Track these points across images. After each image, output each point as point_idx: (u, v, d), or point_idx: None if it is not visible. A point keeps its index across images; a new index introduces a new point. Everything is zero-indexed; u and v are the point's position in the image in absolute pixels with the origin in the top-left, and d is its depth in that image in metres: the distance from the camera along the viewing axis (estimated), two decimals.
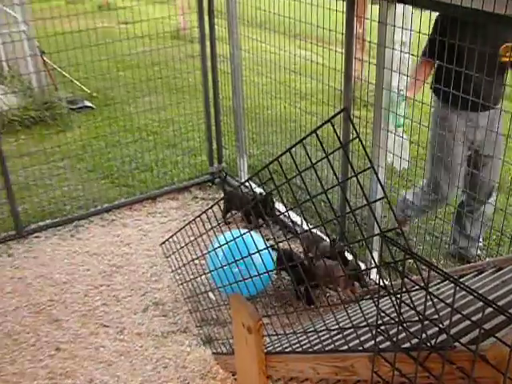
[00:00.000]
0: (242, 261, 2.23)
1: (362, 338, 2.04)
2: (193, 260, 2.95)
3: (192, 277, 3.09)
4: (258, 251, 2.05)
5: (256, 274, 2.09)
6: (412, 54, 3.08)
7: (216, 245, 2.90)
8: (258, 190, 4.58)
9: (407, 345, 1.64)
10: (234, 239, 2.18)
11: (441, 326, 1.37)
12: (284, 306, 3.44)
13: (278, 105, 5.04)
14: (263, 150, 5.45)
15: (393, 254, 1.33)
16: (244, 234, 2.05)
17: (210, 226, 2.56)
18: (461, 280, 2.57)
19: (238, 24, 4.73)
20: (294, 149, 1.59)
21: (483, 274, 2.54)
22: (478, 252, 3.73)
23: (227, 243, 2.21)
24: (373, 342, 1.85)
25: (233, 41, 4.75)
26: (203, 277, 3.17)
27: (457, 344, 1.47)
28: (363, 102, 3.99)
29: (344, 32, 3.17)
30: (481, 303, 1.52)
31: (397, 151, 3.20)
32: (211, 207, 2.45)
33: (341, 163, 3.48)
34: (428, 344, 1.52)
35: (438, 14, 3.19)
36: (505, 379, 1.22)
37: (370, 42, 3.39)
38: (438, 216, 3.92)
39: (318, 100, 4.66)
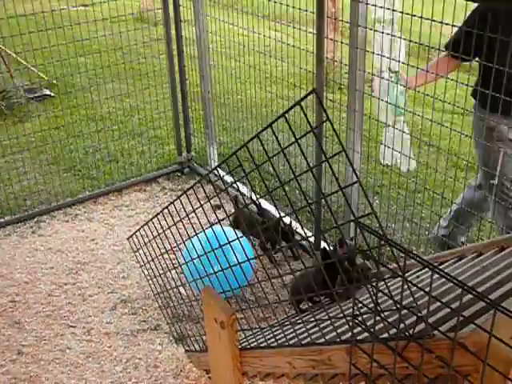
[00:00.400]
0: (219, 253, 2.22)
1: (340, 330, 2.05)
2: (162, 254, 2.93)
3: (162, 271, 3.07)
4: (243, 246, 2.04)
5: (237, 268, 2.08)
6: (399, 37, 3.03)
7: (194, 240, 2.88)
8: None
9: (385, 335, 1.65)
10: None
11: (419, 314, 1.38)
12: (259, 299, 3.44)
13: (249, 89, 5.02)
14: (234, 138, 5.44)
15: (368, 241, 1.33)
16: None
17: (178, 218, 2.55)
18: (440, 267, 2.60)
19: (204, 5, 4.69)
20: (265, 135, 1.58)
21: (463, 260, 2.57)
22: (463, 239, 3.77)
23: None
24: (350, 333, 1.86)
25: (199, 23, 4.72)
26: (173, 271, 3.16)
27: (436, 332, 1.49)
28: (338, 84, 4.00)
29: (315, 11, 3.17)
30: (460, 290, 1.54)
31: (397, 146, 3.11)
32: (178, 198, 2.43)
33: (315, 148, 3.48)
34: (406, 333, 1.53)
35: (477, 4, 2.92)
36: (484, 366, 1.24)
37: (342, 21, 3.38)
38: (417, 201, 3.96)
39: (290, 83, 4.66)
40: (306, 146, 4.42)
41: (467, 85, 2.97)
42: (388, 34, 2.98)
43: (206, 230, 2.41)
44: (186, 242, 2.79)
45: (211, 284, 2.36)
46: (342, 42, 3.37)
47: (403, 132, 3.19)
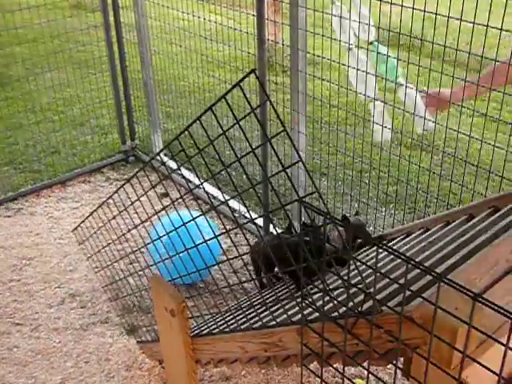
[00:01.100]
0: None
1: (290, 312, 2.06)
2: (108, 244, 2.89)
3: (109, 262, 3.03)
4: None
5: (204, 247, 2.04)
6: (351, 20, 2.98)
7: (159, 227, 2.82)
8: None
9: (335, 314, 1.66)
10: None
11: (366, 291, 1.39)
12: (209, 285, 3.44)
13: (192, 75, 4.98)
14: (179, 125, 5.38)
15: (313, 219, 1.33)
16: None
17: (123, 208, 2.51)
18: (389, 244, 2.64)
19: None
20: (210, 120, 1.56)
21: (410, 237, 2.61)
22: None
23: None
24: (300, 314, 1.87)
25: (138, 8, 4.63)
26: (121, 262, 3.11)
27: (384, 308, 1.51)
28: (282, 66, 4.00)
29: None
30: (409, 266, 1.56)
31: (378, 119, 3.02)
32: (122, 186, 2.39)
33: (259, 131, 3.48)
34: (355, 311, 1.55)
35: None
36: (431, 338, 1.26)
37: (282, 2, 3.37)
38: (365, 181, 4.01)
39: (233, 67, 4.64)
40: (252, 130, 4.42)
41: None
42: (342, 16, 2.95)
43: (171, 214, 2.39)
44: (153, 224, 2.74)
45: (179, 266, 2.31)
46: (282, 23, 3.36)
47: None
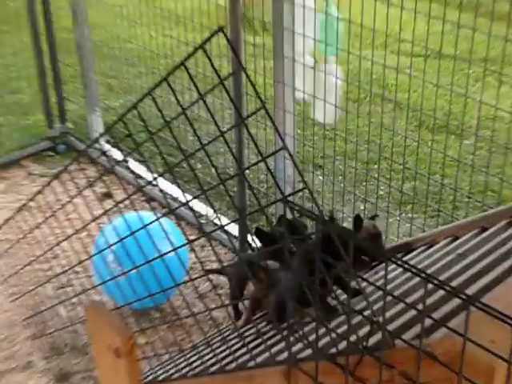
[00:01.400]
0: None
1: (275, 349, 2.08)
2: (30, 263, 2.89)
3: (32, 287, 3.03)
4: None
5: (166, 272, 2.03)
6: None
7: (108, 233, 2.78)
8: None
9: (333, 351, 1.68)
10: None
11: (374, 319, 1.41)
12: (166, 315, 3.44)
13: (142, 35, 4.97)
14: (125, 102, 5.38)
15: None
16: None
17: (51, 213, 2.51)
18: (405, 258, 2.66)
19: None
20: (166, 95, 1.57)
21: (434, 248, 2.64)
22: None
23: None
24: (288, 351, 1.88)
25: None
26: (48, 286, 3.11)
27: (397, 342, 1.53)
28: (263, 23, 4.02)
29: None
30: (430, 286, 1.57)
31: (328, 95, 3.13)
32: (48, 184, 2.39)
33: (233, 110, 3.49)
34: (360, 346, 1.57)
35: None
36: (459, 380, 1.27)
37: None
38: (372, 175, 4.04)
39: (197, 25, 4.64)
40: (223, 109, 4.42)
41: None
42: None
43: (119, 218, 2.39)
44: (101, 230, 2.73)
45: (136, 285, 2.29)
46: None
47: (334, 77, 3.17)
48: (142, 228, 1.94)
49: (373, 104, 4.26)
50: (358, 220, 2.58)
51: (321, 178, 4.30)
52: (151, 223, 1.91)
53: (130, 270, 2.15)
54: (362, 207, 3.97)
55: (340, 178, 4.25)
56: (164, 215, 1.88)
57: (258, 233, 2.65)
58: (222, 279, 3.62)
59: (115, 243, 2.15)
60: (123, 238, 2.08)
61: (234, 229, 4.04)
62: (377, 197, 3.72)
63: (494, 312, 1.19)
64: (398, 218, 3.93)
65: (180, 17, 4.69)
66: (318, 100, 3.33)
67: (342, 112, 3.53)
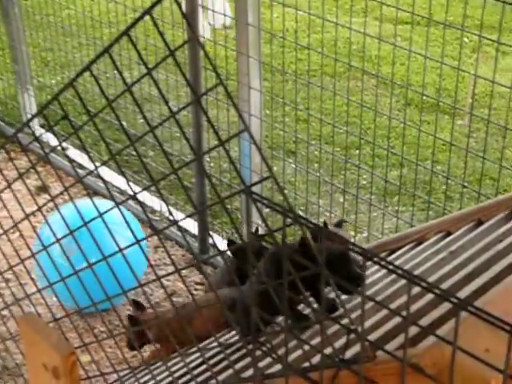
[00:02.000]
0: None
1: (239, 366, 2.09)
2: None
3: None
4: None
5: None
6: None
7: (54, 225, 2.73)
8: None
9: (306, 365, 1.69)
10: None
11: (351, 327, 1.42)
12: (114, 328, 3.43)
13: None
14: (62, 78, 5.34)
15: (266, 218, 1.36)
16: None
17: None
18: (392, 257, 2.68)
19: None
20: (111, 71, 1.57)
21: (424, 245, 2.66)
22: None
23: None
24: (256, 367, 1.89)
25: None
26: None
27: (379, 353, 1.54)
28: None
29: None
30: (416, 288, 1.59)
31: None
32: None
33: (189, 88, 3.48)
34: (336, 358, 1.58)
35: None
36: None
37: None
38: (353, 162, 4.05)
39: None
40: (181, 86, 4.41)
41: None
42: None
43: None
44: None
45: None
46: None
47: None
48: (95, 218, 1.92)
49: (353, 79, 4.28)
50: (322, 227, 2.52)
51: (293, 166, 4.30)
52: (107, 211, 1.89)
53: (84, 268, 2.13)
54: (341, 199, 3.99)
55: (316, 165, 4.26)
56: (107, 211, 1.85)
57: (230, 245, 2.62)
58: (179, 285, 3.63)
59: (74, 230, 2.13)
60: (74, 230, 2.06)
61: (193, 227, 4.05)
62: (357, 187, 3.73)
63: (488, 317, 1.21)
64: (382, 212, 3.96)
65: None
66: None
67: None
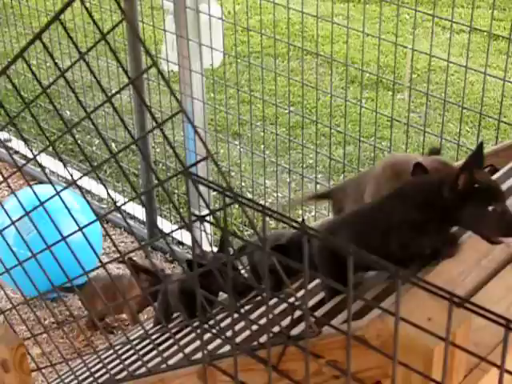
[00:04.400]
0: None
1: (189, 349, 2.09)
2: None
3: None
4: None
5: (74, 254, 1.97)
6: None
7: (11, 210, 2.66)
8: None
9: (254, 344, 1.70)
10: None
11: (295, 303, 1.43)
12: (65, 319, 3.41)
13: None
14: (14, 70, 5.27)
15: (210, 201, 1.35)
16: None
17: None
18: None
19: None
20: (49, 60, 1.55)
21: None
22: None
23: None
24: (205, 350, 1.89)
25: None
26: None
27: (325, 328, 1.55)
28: None
29: None
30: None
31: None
32: None
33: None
34: (282, 335, 1.58)
35: None
36: (394, 366, 1.29)
37: None
38: (298, 142, 4.05)
39: None
40: (121, 72, 4.37)
41: None
42: None
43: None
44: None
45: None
46: None
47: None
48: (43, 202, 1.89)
49: (296, 59, 4.29)
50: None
51: (239, 148, 4.30)
52: (57, 194, 1.86)
53: (39, 252, 2.09)
54: (288, 179, 3.99)
55: (261, 147, 4.25)
56: (62, 190, 1.82)
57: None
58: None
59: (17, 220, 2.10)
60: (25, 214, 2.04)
61: (142, 213, 4.04)
62: (303, 167, 3.74)
63: (429, 287, 1.21)
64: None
65: None
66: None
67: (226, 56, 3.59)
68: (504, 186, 2.11)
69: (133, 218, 4.13)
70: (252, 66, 3.69)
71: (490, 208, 1.61)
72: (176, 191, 4.23)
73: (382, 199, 1.88)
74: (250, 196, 3.93)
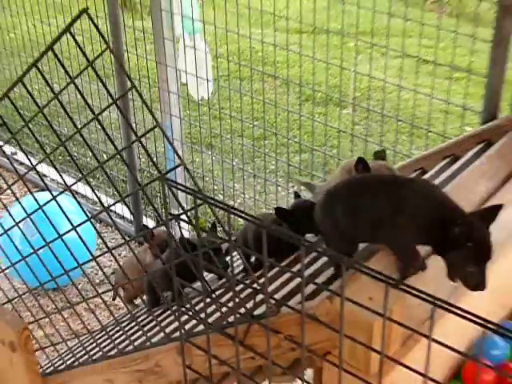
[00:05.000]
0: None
1: (169, 329, 2.08)
2: None
3: None
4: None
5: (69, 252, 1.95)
6: None
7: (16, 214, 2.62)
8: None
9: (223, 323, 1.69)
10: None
11: (256, 286, 1.42)
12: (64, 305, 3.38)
13: (25, 23, 4.82)
14: (16, 94, 5.23)
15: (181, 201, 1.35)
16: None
17: None
18: None
19: None
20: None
21: None
22: None
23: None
24: (183, 329, 1.88)
25: None
26: None
27: (283, 308, 1.55)
28: (144, 7, 3.97)
29: None
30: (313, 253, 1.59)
31: (193, 69, 3.21)
32: None
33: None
34: (247, 316, 1.58)
35: None
36: (341, 338, 1.29)
37: None
38: (262, 151, 4.05)
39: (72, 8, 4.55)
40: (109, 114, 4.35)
41: None
42: None
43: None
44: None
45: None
46: None
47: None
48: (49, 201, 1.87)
49: (261, 81, 4.29)
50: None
51: (211, 157, 4.29)
52: (54, 199, 1.85)
53: (39, 249, 2.07)
54: (253, 183, 4.00)
55: (230, 155, 4.26)
56: (58, 195, 1.82)
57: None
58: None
59: (20, 221, 2.08)
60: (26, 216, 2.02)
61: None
62: (265, 172, 3.74)
63: (369, 271, 1.21)
64: (287, 191, 3.98)
65: (63, 5, 4.57)
66: (191, 76, 3.35)
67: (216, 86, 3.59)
68: (436, 181, 2.13)
69: (122, 217, 4.12)
70: (221, 87, 3.70)
71: (472, 268, 1.55)
72: (158, 194, 4.24)
73: None
74: (221, 197, 3.94)
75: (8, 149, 4.62)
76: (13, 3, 4.64)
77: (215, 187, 4.03)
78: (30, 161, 1.66)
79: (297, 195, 2.20)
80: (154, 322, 2.22)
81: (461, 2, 5.00)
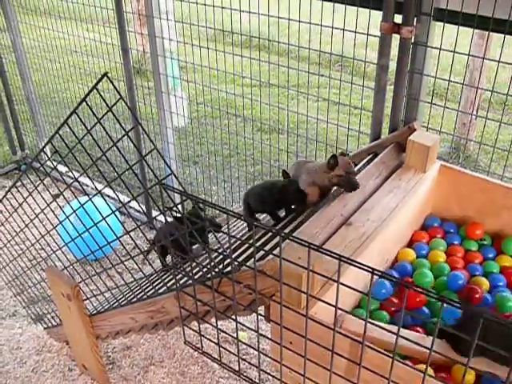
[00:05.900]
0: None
1: (169, 284, 2.04)
2: (9, 241, 2.71)
3: (11, 260, 2.86)
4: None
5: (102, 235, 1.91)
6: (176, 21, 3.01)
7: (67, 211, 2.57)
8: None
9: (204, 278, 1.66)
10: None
11: (226, 254, 1.39)
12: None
13: (73, 87, 4.74)
14: (65, 132, 5.12)
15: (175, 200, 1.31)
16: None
17: (14, 210, 2.36)
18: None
19: (15, 12, 4.33)
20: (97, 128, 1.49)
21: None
22: None
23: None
24: (178, 282, 1.85)
25: (12, 29, 4.34)
26: (22, 259, 2.94)
27: (244, 267, 1.52)
28: (150, 72, 3.90)
29: (114, 8, 3.03)
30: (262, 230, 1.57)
31: (179, 110, 3.20)
32: (8, 192, 2.25)
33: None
34: (220, 273, 1.55)
35: None
36: (281, 285, 1.28)
37: (140, 15, 3.29)
38: (231, 165, 4.02)
39: (113, 78, 4.46)
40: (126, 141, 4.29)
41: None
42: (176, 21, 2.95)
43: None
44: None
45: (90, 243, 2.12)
46: (141, 33, 3.28)
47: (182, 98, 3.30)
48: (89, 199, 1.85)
49: (227, 118, 4.27)
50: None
51: (197, 169, 4.25)
52: (89, 200, 1.82)
53: (83, 232, 2.02)
54: (226, 187, 3.97)
55: (210, 168, 4.22)
56: (94, 196, 1.81)
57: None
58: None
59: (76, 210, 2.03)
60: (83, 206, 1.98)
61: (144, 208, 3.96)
62: (232, 179, 3.70)
63: (297, 239, 1.19)
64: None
65: (97, 73, 4.50)
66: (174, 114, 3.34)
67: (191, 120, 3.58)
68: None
69: (138, 211, 4.04)
70: (203, 124, 3.65)
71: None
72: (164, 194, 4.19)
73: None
74: (203, 196, 3.89)
75: (62, 168, 4.53)
76: (64, 74, 4.54)
77: (199, 189, 3.99)
78: (73, 175, 1.61)
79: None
80: (160, 280, 2.19)
81: (356, 65, 5.01)
